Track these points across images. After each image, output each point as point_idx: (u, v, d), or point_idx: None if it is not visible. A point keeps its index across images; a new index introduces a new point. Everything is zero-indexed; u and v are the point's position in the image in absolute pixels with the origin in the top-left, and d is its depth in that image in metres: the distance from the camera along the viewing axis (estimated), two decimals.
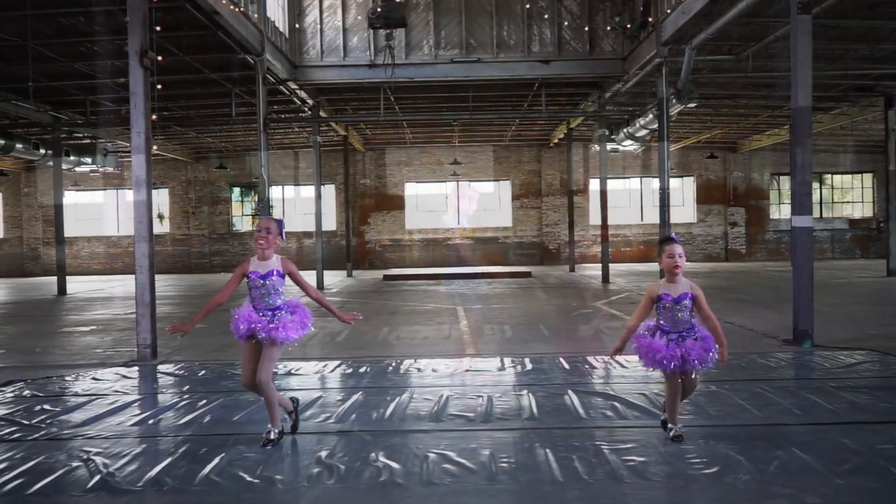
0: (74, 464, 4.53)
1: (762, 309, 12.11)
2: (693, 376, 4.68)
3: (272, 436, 4.81)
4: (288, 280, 4.86)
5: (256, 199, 28.60)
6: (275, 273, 4.76)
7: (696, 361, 4.52)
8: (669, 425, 4.76)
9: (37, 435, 5.23)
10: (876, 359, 7.58)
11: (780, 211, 29.93)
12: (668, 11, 13.37)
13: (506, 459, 4.45)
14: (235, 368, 7.26)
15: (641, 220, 29.69)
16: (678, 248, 4.59)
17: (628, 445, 4.66)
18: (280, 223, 4.85)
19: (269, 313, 4.73)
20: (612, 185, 26.55)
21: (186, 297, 17.17)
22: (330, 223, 28.70)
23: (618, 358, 7.71)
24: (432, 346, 9.09)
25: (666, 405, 4.80)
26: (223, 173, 29.00)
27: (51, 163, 20.41)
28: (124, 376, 7.49)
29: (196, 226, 29.49)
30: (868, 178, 30.04)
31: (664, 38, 13.53)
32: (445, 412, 5.64)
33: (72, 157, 21.60)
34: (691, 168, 29.57)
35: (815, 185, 28.90)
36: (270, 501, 3.92)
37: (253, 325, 4.69)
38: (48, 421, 5.61)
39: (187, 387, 6.84)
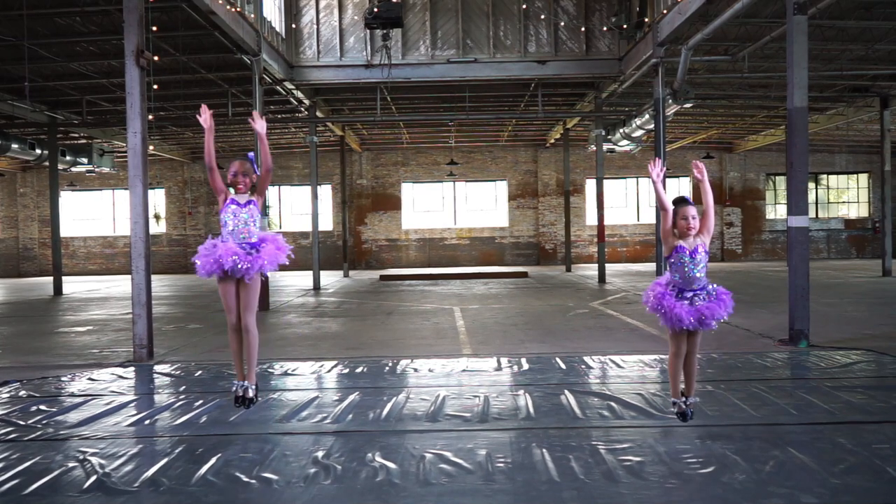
0: (71, 464, 4.52)
1: (758, 309, 12.13)
2: (711, 331, 4.79)
3: (251, 392, 4.87)
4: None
5: None
6: (252, 203, 4.97)
7: (711, 320, 4.66)
8: (672, 399, 4.87)
9: (33, 435, 5.22)
10: (872, 359, 7.60)
11: (776, 211, 29.98)
12: (665, 12, 13.39)
13: (502, 459, 4.45)
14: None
15: (638, 220, 29.72)
16: (692, 210, 4.65)
17: (625, 445, 4.67)
18: (251, 159, 5.06)
19: (248, 247, 4.89)
20: (608, 185, 26.61)
21: (183, 298, 17.14)
22: (326, 223, 28.70)
23: (614, 358, 7.77)
24: (429, 346, 9.09)
25: (669, 374, 4.89)
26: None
27: (47, 163, 20.36)
28: (120, 377, 7.48)
29: (193, 226, 29.44)
30: (864, 178, 30.10)
31: (660, 39, 13.55)
32: (442, 412, 5.64)
33: (68, 158, 21.57)
34: (687, 168, 29.56)
35: (811, 185, 29.00)
36: (267, 502, 3.92)
37: (235, 258, 4.80)
38: (44, 421, 5.60)
39: (184, 387, 6.83)
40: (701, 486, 3.97)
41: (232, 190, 5.02)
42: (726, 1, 11.59)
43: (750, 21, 13.49)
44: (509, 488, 3.98)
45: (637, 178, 29.47)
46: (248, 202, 4.97)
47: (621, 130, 20.26)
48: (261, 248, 4.90)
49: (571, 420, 5.37)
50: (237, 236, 4.89)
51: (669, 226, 4.73)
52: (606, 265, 19.96)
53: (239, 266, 4.78)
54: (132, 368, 7.95)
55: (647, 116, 17.73)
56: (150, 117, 9.66)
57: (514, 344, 9.08)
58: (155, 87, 12.17)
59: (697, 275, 4.71)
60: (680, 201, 4.75)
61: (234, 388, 5.00)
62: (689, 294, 4.71)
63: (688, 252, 4.68)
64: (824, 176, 30.10)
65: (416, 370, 7.41)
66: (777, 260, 28.55)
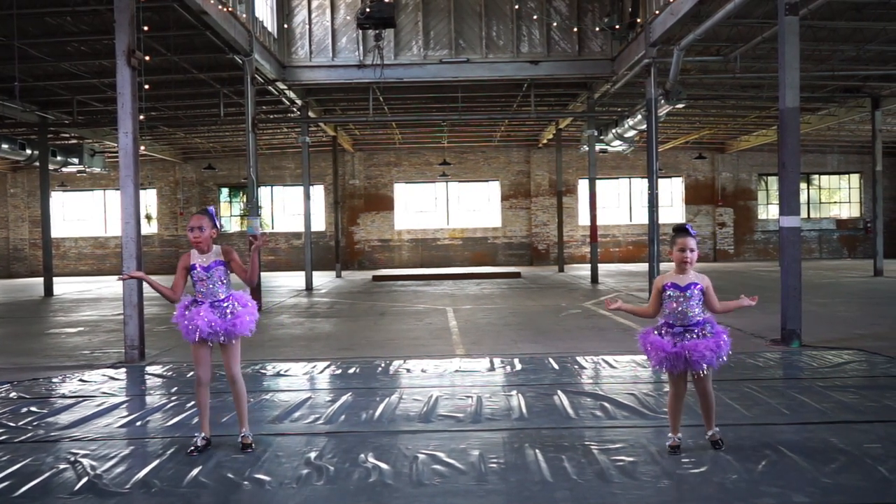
0: (61, 466, 4.50)
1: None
2: (702, 375, 4.40)
3: (249, 439, 4.80)
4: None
5: (245, 200, 28.50)
6: (217, 264, 4.74)
7: (697, 361, 4.29)
8: (669, 434, 4.56)
9: (24, 437, 5.19)
10: (863, 358, 7.63)
11: (768, 211, 30.10)
12: (657, 12, 13.41)
13: (495, 460, 4.45)
14: (221, 370, 7.22)
15: (630, 220, 29.77)
16: (690, 242, 4.40)
17: (617, 445, 4.67)
18: (211, 214, 4.81)
19: (220, 305, 4.71)
20: (600, 185, 26.64)
21: None
22: (319, 224, 28.64)
23: (606, 358, 7.78)
24: (422, 346, 9.08)
25: (668, 413, 4.60)
26: (211, 174, 28.90)
27: (37, 163, 20.26)
28: (112, 378, 7.45)
29: (184, 227, 29.28)
30: (855, 178, 30.24)
31: (653, 39, 13.57)
32: (435, 413, 5.63)
33: (58, 158, 21.46)
34: (680, 168, 29.67)
35: (803, 185, 29.07)
36: (259, 503, 3.91)
37: (213, 326, 4.65)
38: (35, 423, 5.57)
39: (175, 388, 6.81)
40: (693, 485, 3.98)
41: (193, 254, 4.75)
42: (718, 1, 11.62)
43: (742, 22, 13.52)
44: (502, 489, 3.98)
45: (629, 178, 29.52)
46: (212, 264, 4.70)
47: (614, 131, 20.28)
48: (234, 304, 4.73)
49: (564, 420, 5.37)
50: (205, 297, 4.71)
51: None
52: (599, 265, 19.98)
53: (218, 336, 4.66)
54: (123, 369, 7.92)
55: (639, 117, 17.76)
56: (142, 117, 9.62)
57: (507, 344, 9.08)
58: (146, 87, 12.10)
59: (690, 311, 4.38)
60: (679, 230, 4.44)
61: (195, 440, 4.77)
62: (679, 330, 4.38)
63: (678, 287, 4.39)
64: (816, 176, 30.22)
65: (408, 371, 7.40)
66: (769, 260, 28.64)
